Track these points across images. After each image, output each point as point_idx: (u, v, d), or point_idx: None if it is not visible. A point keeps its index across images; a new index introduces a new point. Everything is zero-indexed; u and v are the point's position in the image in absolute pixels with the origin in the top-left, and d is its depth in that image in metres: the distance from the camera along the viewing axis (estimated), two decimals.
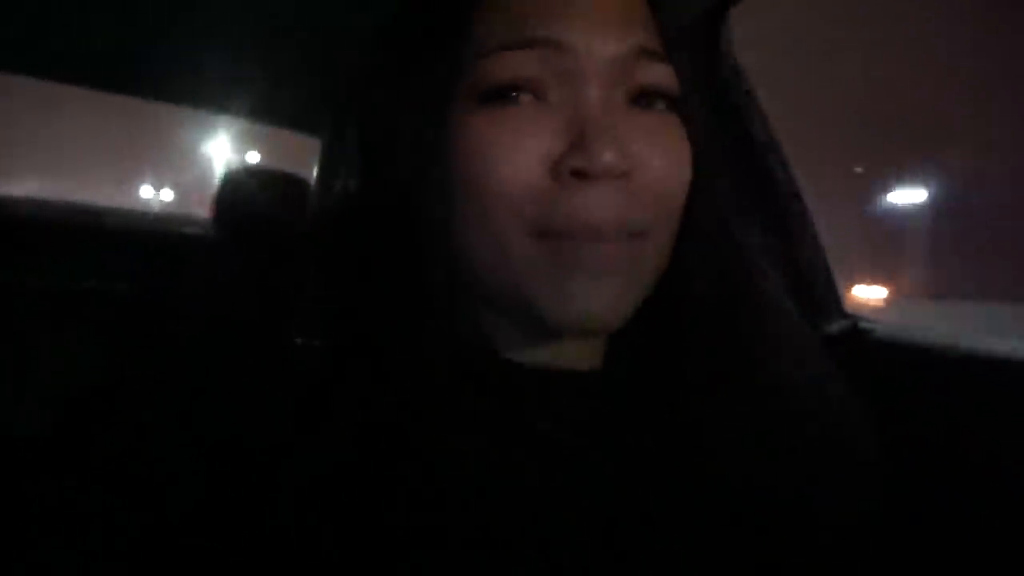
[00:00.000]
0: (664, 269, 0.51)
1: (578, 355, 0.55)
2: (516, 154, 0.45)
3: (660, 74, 0.49)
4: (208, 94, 1.98)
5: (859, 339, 1.18)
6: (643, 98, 0.49)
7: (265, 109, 2.11)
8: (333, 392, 0.47)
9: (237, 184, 1.93)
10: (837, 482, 0.54)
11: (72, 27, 1.54)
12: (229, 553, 0.43)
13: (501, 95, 0.46)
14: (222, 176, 1.93)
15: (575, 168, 0.45)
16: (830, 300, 1.23)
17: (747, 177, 1.18)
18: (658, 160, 0.48)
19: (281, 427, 0.46)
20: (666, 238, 0.50)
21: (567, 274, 0.46)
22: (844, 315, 1.24)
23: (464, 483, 0.46)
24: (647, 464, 0.51)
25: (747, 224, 0.59)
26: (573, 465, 0.50)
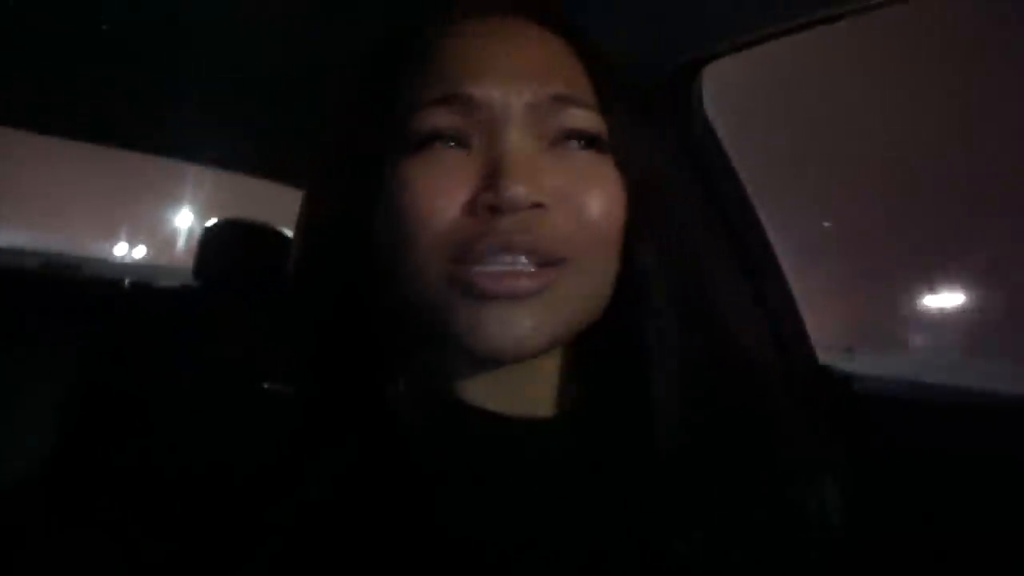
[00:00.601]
0: (600, 303, 0.53)
1: (545, 400, 0.56)
2: (437, 196, 0.49)
3: (581, 118, 0.52)
4: (195, 146, 2.01)
5: (831, 386, 1.20)
6: (569, 140, 0.52)
7: (249, 162, 2.14)
8: (300, 442, 0.48)
9: (218, 236, 1.94)
10: (809, 540, 0.53)
11: (52, 78, 1.56)
12: None
13: (428, 143, 0.50)
14: (204, 228, 1.94)
15: (487, 203, 0.48)
16: (801, 348, 1.25)
17: (718, 231, 1.21)
18: (579, 194, 0.50)
19: (251, 477, 0.47)
20: (592, 271, 0.52)
21: (480, 304, 0.48)
22: (815, 362, 1.26)
23: (432, 536, 0.47)
24: (610, 517, 0.51)
25: (719, 271, 0.60)
26: (537, 517, 0.50)
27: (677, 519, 0.50)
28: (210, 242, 1.92)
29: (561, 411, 0.56)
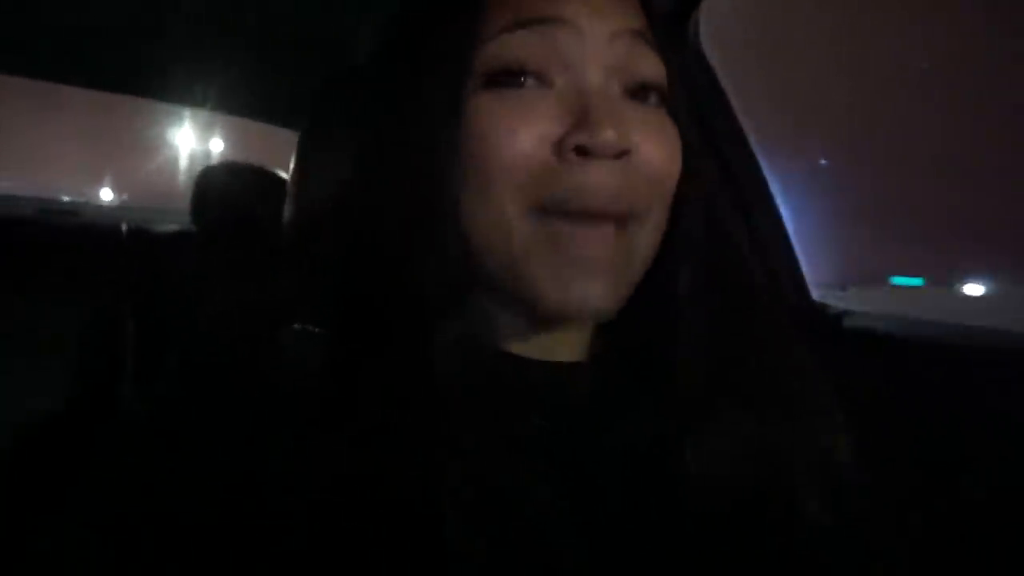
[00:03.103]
0: (650, 262, 0.53)
1: (573, 346, 0.56)
2: (520, 132, 0.47)
3: (652, 67, 0.52)
4: (180, 88, 1.98)
5: (827, 326, 1.22)
6: (638, 92, 0.51)
7: (239, 102, 2.11)
8: (338, 381, 0.47)
9: (213, 179, 1.93)
10: (819, 479, 0.54)
11: (36, 18, 1.52)
12: (237, 552, 0.44)
13: (507, 77, 0.48)
14: (199, 172, 1.93)
15: (578, 144, 0.47)
16: (797, 288, 1.26)
17: (714, 168, 1.21)
18: (653, 147, 0.50)
19: (286, 416, 0.46)
20: (657, 226, 0.52)
21: (565, 261, 0.48)
22: (811, 303, 1.27)
23: (465, 476, 0.46)
24: (634, 460, 0.52)
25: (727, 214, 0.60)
26: (564, 461, 0.51)
27: (692, 440, 0.51)
28: (206, 185, 1.90)
29: (583, 358, 0.57)
